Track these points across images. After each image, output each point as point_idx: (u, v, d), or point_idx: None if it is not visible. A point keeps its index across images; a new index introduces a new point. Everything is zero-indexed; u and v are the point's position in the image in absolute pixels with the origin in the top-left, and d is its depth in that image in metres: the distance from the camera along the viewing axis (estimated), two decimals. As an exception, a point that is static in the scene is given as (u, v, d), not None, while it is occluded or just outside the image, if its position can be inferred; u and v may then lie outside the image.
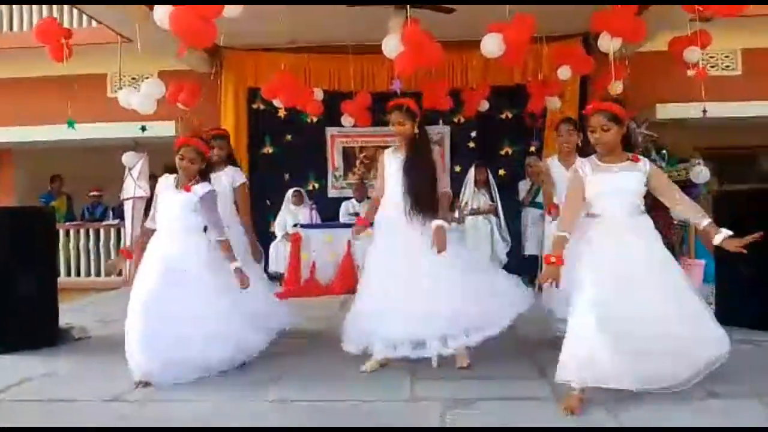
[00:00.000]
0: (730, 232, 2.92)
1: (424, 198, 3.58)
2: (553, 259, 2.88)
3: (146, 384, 3.30)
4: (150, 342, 3.30)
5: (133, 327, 3.36)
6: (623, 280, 2.84)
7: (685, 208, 3.10)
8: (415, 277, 3.52)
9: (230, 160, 4.50)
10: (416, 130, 3.68)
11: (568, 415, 2.75)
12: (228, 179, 4.34)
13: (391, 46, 5.12)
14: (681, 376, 2.80)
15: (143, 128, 6.99)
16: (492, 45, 5.04)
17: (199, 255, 3.55)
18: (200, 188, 3.57)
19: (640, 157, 3.10)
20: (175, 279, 3.41)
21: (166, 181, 3.69)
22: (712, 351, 2.87)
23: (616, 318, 2.75)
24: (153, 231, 3.69)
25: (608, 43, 5.14)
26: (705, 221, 3.03)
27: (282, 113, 8.01)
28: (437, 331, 3.47)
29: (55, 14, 8.73)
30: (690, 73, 6.83)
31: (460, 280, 3.52)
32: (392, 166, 3.75)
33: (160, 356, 3.29)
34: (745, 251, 2.89)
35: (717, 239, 2.95)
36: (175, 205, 3.59)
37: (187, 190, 3.55)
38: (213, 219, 3.66)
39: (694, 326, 2.88)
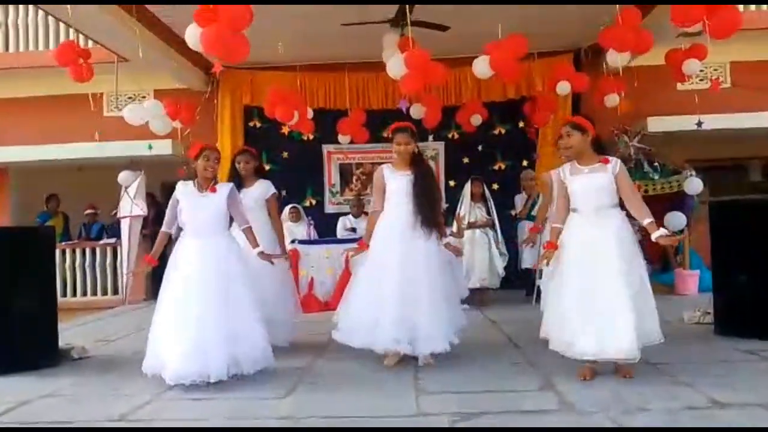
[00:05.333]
0: (666, 231, 3.46)
1: (433, 214, 4.02)
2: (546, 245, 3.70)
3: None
4: (189, 349, 3.49)
5: (170, 336, 3.57)
6: (588, 263, 3.41)
7: (634, 208, 3.56)
8: (411, 286, 3.90)
9: (259, 173, 4.78)
10: (416, 150, 4.10)
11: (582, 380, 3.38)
12: (260, 191, 4.63)
13: (395, 67, 5.22)
14: (622, 351, 3.29)
15: (150, 146, 7.09)
16: (482, 67, 5.23)
17: (229, 258, 3.77)
18: (224, 187, 3.87)
19: (611, 159, 3.62)
20: (203, 286, 3.63)
21: (185, 187, 3.86)
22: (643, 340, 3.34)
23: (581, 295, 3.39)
24: (169, 236, 3.92)
25: (617, 58, 5.27)
26: (647, 220, 3.48)
27: (286, 130, 8.07)
28: (422, 333, 3.87)
29: (51, 34, 8.77)
30: (681, 86, 6.95)
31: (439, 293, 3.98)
32: (395, 183, 4.06)
33: (197, 361, 3.49)
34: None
35: (654, 235, 3.42)
36: (203, 208, 3.79)
37: (213, 191, 3.80)
38: (238, 211, 3.97)
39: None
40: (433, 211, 4.01)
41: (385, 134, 8.03)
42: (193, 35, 4.28)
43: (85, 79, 5.28)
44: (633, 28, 5.16)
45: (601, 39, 5.51)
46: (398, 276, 3.90)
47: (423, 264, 3.94)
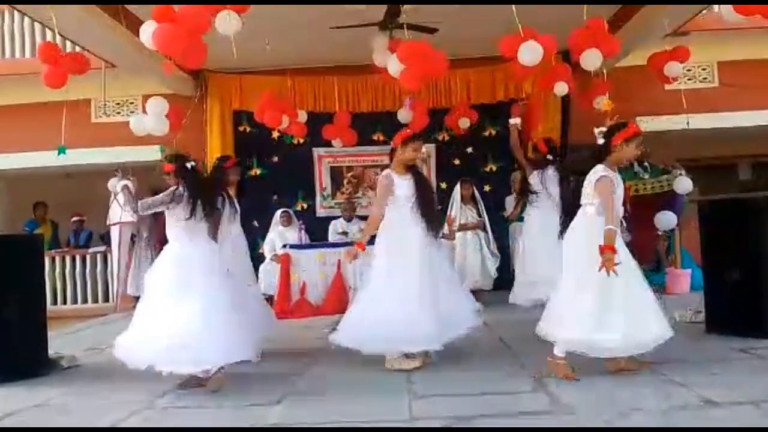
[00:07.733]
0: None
1: (435, 214, 4.26)
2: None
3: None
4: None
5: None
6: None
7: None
8: (432, 288, 4.04)
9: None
10: None
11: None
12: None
13: (393, 65, 5.05)
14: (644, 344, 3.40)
15: (162, 149, 7.07)
16: (530, 54, 4.89)
17: (199, 259, 3.87)
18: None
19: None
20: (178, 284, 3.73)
21: None
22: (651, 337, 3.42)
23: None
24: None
25: (591, 61, 5.23)
26: None
27: (276, 134, 8.01)
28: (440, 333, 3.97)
29: (38, 41, 8.70)
30: (669, 86, 6.97)
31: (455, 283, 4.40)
32: (401, 187, 4.16)
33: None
34: None
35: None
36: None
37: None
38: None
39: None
40: (434, 212, 4.27)
41: (375, 137, 8.10)
42: (146, 32, 4.13)
43: (60, 85, 5.16)
44: (598, 33, 5.10)
45: (569, 43, 5.47)
46: (425, 277, 4.03)
47: (440, 260, 4.28)
